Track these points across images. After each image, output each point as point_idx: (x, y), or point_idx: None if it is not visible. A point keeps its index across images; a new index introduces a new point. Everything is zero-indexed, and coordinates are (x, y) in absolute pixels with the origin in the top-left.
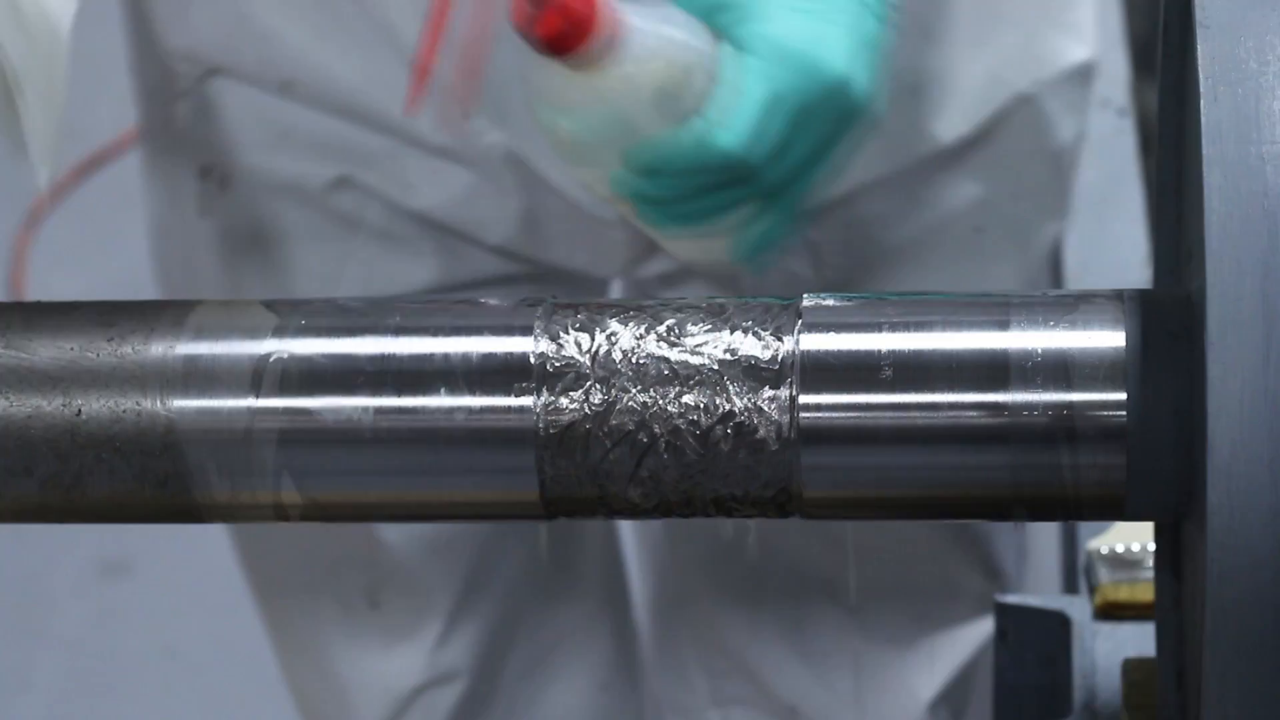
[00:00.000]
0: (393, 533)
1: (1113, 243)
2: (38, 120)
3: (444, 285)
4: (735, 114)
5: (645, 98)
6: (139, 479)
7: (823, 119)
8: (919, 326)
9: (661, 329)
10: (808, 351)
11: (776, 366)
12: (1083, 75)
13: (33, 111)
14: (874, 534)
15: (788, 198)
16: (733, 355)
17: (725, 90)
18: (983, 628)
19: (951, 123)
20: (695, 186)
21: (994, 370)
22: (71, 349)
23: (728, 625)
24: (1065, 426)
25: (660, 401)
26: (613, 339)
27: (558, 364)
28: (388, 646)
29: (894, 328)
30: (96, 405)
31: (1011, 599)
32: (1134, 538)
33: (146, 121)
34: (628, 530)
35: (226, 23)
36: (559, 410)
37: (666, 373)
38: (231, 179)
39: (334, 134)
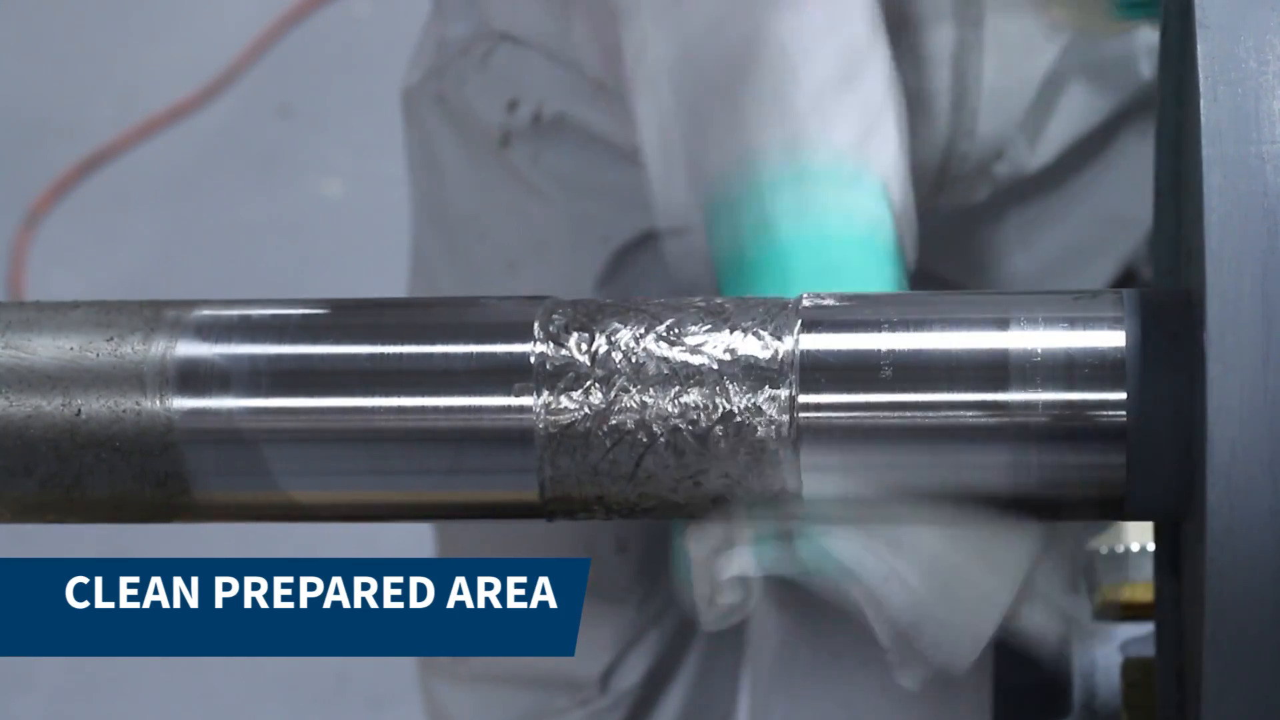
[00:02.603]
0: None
1: None
2: None
3: None
4: None
5: None
6: (139, 479)
7: None
8: (919, 326)
9: (661, 328)
10: (807, 351)
11: (776, 366)
12: None
13: None
14: None
15: None
16: (732, 355)
17: None
18: None
19: None
20: None
21: (994, 370)
22: (71, 349)
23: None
24: (1065, 426)
25: (660, 401)
26: (612, 339)
27: (557, 363)
28: None
29: (893, 327)
30: (96, 405)
31: None
32: (1134, 538)
33: (438, 54)
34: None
35: (554, 20)
36: (559, 410)
37: (666, 372)
38: (542, 117)
39: None
